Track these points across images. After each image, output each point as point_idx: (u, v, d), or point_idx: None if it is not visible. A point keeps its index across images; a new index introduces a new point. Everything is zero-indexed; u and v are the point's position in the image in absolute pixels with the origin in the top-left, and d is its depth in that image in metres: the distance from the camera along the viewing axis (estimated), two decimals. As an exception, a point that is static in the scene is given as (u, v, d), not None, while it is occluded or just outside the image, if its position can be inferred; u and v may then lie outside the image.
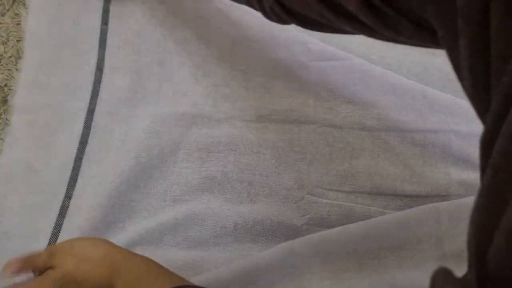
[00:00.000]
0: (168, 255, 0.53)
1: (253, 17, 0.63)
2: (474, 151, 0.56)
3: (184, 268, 0.52)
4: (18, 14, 0.70)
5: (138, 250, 0.52)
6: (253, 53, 0.63)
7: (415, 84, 0.60)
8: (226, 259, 0.53)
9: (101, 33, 0.63)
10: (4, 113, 0.64)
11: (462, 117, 0.59)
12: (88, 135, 0.58)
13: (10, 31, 0.69)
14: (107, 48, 0.62)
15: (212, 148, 0.59)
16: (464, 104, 0.59)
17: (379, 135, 0.59)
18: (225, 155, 0.59)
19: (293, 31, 0.63)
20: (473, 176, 0.56)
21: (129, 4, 0.65)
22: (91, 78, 0.61)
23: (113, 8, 0.65)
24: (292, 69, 0.62)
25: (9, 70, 0.66)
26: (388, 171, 0.57)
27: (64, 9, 0.65)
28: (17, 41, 0.68)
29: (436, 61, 0.63)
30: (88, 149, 0.58)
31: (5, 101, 0.64)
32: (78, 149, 0.58)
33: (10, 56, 0.67)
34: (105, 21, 0.64)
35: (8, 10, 0.70)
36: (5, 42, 0.68)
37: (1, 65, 0.67)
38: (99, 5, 0.65)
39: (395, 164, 0.58)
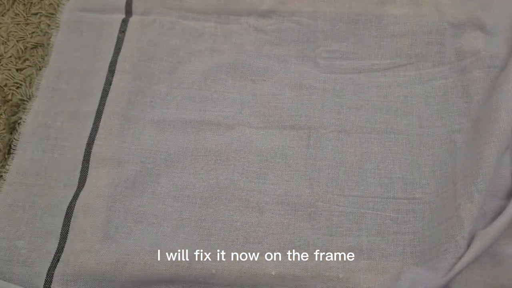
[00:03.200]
0: (178, 263, 0.52)
1: (268, 36, 0.67)
2: (477, 134, 0.57)
3: (192, 279, 0.52)
4: (18, 14, 0.69)
5: (148, 256, 0.52)
6: (264, 65, 0.65)
7: (415, 92, 0.63)
8: (238, 271, 0.52)
9: (117, 40, 0.64)
10: (4, 113, 0.63)
11: (464, 117, 0.60)
12: (95, 136, 0.58)
13: (10, 31, 0.68)
14: (121, 53, 0.63)
15: (220, 155, 0.59)
16: (463, 105, 0.61)
17: (387, 138, 0.60)
18: (234, 163, 0.59)
19: (304, 50, 0.66)
20: None
21: (150, 15, 0.67)
22: (103, 81, 0.62)
23: (132, 19, 0.66)
24: (301, 78, 0.64)
25: (9, 70, 0.66)
26: (398, 174, 0.58)
27: (90, 25, 0.67)
28: (17, 41, 0.68)
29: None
30: (94, 149, 0.57)
31: (5, 101, 0.64)
32: (86, 150, 0.58)
33: (10, 56, 0.66)
34: (122, 30, 0.65)
35: (8, 10, 0.70)
36: (5, 42, 0.68)
37: (1, 65, 0.66)
38: (120, 17, 0.66)
39: (405, 166, 0.59)
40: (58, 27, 0.67)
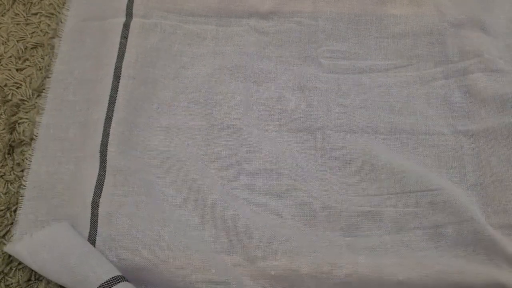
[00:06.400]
0: (206, 263, 0.53)
1: (270, 38, 0.67)
2: (485, 146, 0.59)
3: (220, 274, 0.52)
4: (18, 14, 0.69)
5: (178, 258, 0.52)
6: (266, 67, 0.65)
7: (417, 92, 0.64)
8: (268, 274, 0.53)
9: (120, 46, 0.64)
10: (4, 113, 0.63)
11: (468, 117, 0.61)
12: (107, 143, 0.57)
13: (10, 31, 0.68)
14: (125, 58, 0.63)
15: (231, 160, 0.59)
16: (467, 105, 0.62)
17: (392, 137, 0.61)
18: (245, 167, 0.59)
19: (306, 50, 0.66)
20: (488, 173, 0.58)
21: (150, 18, 0.67)
22: (109, 87, 0.61)
23: (134, 23, 0.66)
24: (304, 79, 0.64)
25: (9, 70, 0.65)
26: (409, 168, 0.59)
27: (92, 34, 0.67)
28: (17, 41, 0.67)
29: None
30: (109, 156, 0.57)
31: (5, 101, 0.63)
32: (100, 158, 0.57)
33: (10, 56, 0.66)
34: (124, 35, 0.65)
35: (8, 10, 0.70)
36: (5, 42, 0.67)
37: (1, 65, 0.66)
38: (121, 21, 0.66)
39: (414, 164, 0.59)
40: (60, 37, 0.67)
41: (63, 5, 0.69)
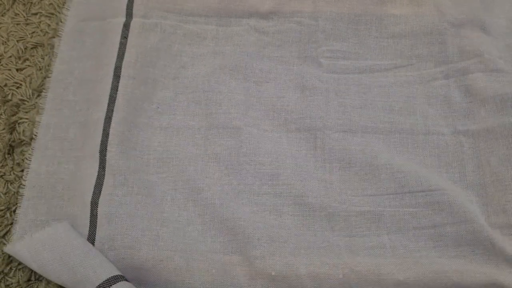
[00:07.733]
0: (204, 263, 0.53)
1: (270, 38, 0.67)
2: (485, 146, 0.59)
3: (219, 274, 0.52)
4: (18, 14, 0.69)
5: (177, 258, 0.53)
6: (267, 67, 0.65)
7: (417, 92, 0.64)
8: (268, 275, 0.53)
9: (120, 46, 0.64)
10: (4, 113, 0.63)
11: (468, 117, 0.62)
12: (107, 143, 0.57)
13: (10, 31, 0.68)
14: (125, 58, 0.63)
15: (231, 159, 0.59)
16: (467, 105, 0.62)
17: (392, 137, 0.61)
18: (245, 167, 0.59)
19: (306, 50, 0.66)
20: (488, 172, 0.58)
21: (150, 18, 0.67)
22: (109, 87, 0.61)
23: (134, 23, 0.66)
24: (304, 79, 0.64)
25: (9, 70, 0.65)
26: (409, 168, 0.59)
27: (92, 34, 0.67)
28: (17, 41, 0.67)
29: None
30: (108, 156, 0.57)
31: (5, 101, 0.63)
32: (100, 158, 0.57)
33: (10, 56, 0.66)
34: (124, 35, 0.65)
35: (8, 10, 0.70)
36: (5, 42, 0.67)
37: (1, 65, 0.66)
38: (121, 21, 0.66)
39: (414, 164, 0.59)
40: (60, 37, 0.67)
41: (63, 5, 0.69)
